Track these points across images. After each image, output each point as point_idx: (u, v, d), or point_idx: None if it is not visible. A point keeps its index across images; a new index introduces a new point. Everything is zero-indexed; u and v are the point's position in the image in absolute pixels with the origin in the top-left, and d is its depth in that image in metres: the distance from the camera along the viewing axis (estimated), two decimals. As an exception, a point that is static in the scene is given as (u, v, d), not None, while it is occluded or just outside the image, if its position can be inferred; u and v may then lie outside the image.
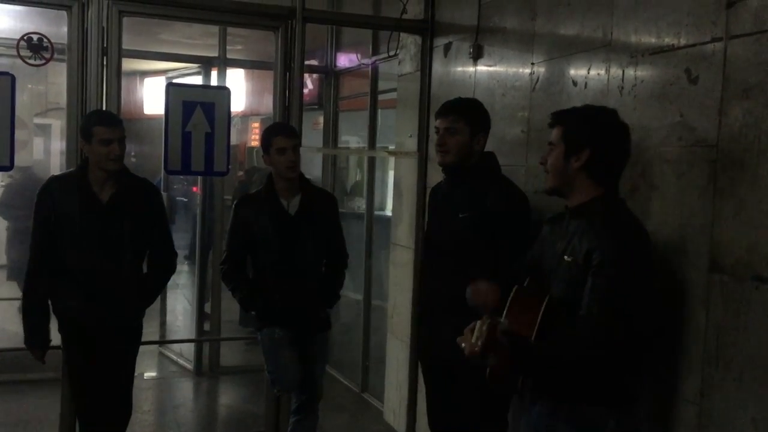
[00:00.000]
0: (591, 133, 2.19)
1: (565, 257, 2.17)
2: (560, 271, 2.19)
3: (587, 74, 2.84)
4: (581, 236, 2.14)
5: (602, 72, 2.75)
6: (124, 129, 3.24)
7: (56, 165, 8.46)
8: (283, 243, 3.38)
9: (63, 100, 3.68)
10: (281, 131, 3.46)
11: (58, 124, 9.21)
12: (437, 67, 4.15)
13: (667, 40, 2.42)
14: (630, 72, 2.59)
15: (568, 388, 2.15)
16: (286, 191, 3.43)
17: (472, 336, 2.05)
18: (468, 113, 2.96)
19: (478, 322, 2.07)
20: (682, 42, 2.36)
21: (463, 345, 2.07)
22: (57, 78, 8.40)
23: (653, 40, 2.49)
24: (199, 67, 5.91)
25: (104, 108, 3.56)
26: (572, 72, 2.95)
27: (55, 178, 3.33)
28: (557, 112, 2.31)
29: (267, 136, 3.44)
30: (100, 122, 3.17)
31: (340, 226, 3.65)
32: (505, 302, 2.20)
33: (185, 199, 6.33)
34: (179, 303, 6.51)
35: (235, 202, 3.59)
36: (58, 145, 8.89)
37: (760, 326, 2.03)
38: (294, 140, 3.41)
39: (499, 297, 2.31)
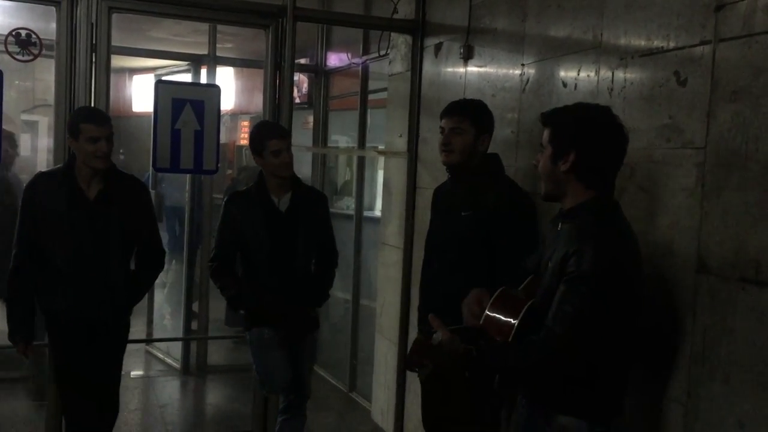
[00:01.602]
0: (576, 134, 2.09)
1: (549, 263, 2.12)
2: (544, 277, 2.15)
3: (577, 76, 2.85)
4: (565, 241, 2.07)
5: (592, 74, 2.76)
6: (112, 126, 3.22)
7: (43, 162, 8.39)
8: (273, 240, 3.38)
9: (50, 96, 3.67)
10: (275, 134, 3.42)
11: (45, 121, 9.13)
12: (428, 67, 4.15)
13: (657, 43, 2.43)
14: (619, 74, 2.61)
15: (544, 395, 2.14)
16: (277, 189, 3.42)
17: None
18: (473, 114, 2.97)
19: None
20: (672, 44, 2.37)
21: None
22: (44, 74, 8.34)
23: (643, 43, 2.50)
24: (188, 64, 5.89)
25: (93, 105, 3.54)
26: (562, 73, 2.96)
27: (42, 174, 3.31)
28: (546, 112, 2.22)
29: (259, 138, 3.40)
30: (87, 119, 3.14)
31: (331, 224, 3.65)
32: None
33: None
34: (166, 301, 6.49)
35: (225, 199, 3.58)
36: (45, 141, 8.82)
37: (747, 327, 2.04)
38: (287, 140, 3.42)
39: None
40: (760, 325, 2.00)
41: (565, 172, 2.09)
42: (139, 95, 9.79)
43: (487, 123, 2.99)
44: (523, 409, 2.25)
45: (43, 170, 3.44)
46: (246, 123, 9.63)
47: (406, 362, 2.16)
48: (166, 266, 3.86)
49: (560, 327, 1.98)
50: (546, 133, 2.15)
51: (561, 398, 2.10)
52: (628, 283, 2.03)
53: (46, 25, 3.79)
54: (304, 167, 5.97)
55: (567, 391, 2.08)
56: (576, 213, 2.10)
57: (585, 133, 2.09)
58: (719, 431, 2.13)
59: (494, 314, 2.15)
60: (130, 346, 3.55)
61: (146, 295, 4.91)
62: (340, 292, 5.37)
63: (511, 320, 2.09)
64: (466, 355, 2.04)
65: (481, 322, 2.16)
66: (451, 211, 3.00)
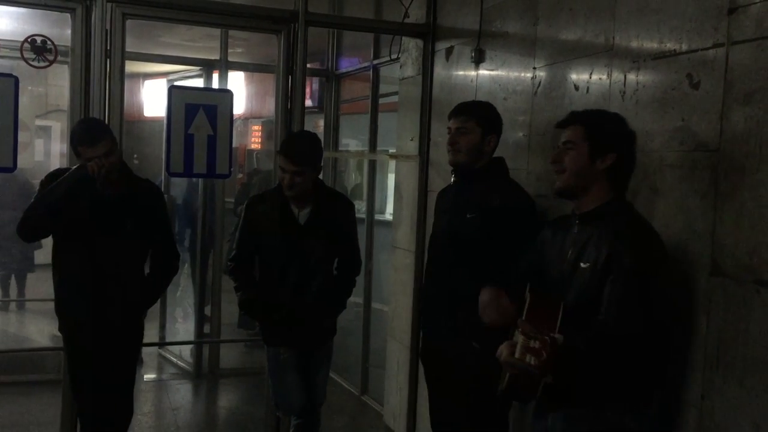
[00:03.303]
0: (618, 137, 2.21)
1: (581, 264, 2.14)
2: (575, 279, 2.16)
3: (589, 79, 2.86)
4: (598, 241, 2.11)
5: (604, 77, 2.77)
6: (113, 138, 3.15)
7: (56, 167, 8.45)
8: (290, 252, 3.32)
9: (63, 102, 3.71)
10: (284, 152, 3.26)
11: (58, 126, 9.22)
12: (439, 70, 4.16)
13: (669, 46, 2.44)
14: (632, 77, 2.61)
15: (586, 393, 2.12)
16: (297, 199, 3.32)
17: (514, 350, 1.99)
18: (479, 114, 2.99)
19: (521, 337, 1.99)
20: (684, 47, 2.37)
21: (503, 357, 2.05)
22: (57, 80, 8.42)
23: (655, 46, 2.50)
24: (200, 69, 5.92)
25: (107, 111, 3.57)
26: (574, 76, 2.97)
27: (61, 171, 3.32)
28: (575, 112, 2.30)
29: (279, 147, 3.37)
30: (81, 142, 3.09)
31: (355, 233, 3.54)
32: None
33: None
34: (179, 305, 6.52)
35: (247, 201, 3.54)
36: (57, 147, 8.90)
37: (762, 330, 2.04)
38: (296, 166, 3.19)
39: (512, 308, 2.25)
40: (775, 328, 2.00)
41: (600, 170, 2.17)
42: (150, 100, 9.86)
43: (493, 123, 3.01)
44: (555, 416, 2.20)
45: (60, 167, 3.44)
46: (257, 127, 9.68)
47: (540, 370, 1.95)
48: (178, 269, 3.87)
49: (614, 321, 2.03)
50: (577, 131, 2.21)
51: (609, 394, 2.11)
52: (667, 274, 2.16)
53: (60, 31, 3.83)
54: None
55: (617, 387, 2.10)
56: (600, 213, 2.18)
57: (624, 136, 2.23)
58: (734, 434, 2.13)
59: (535, 319, 2.07)
60: (143, 350, 3.57)
61: (159, 299, 4.94)
62: (351, 295, 5.38)
63: (552, 322, 2.05)
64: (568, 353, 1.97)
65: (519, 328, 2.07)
66: (456, 213, 3.02)
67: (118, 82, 3.62)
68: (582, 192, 2.21)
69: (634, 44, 2.61)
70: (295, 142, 3.37)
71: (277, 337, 3.42)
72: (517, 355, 1.97)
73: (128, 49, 3.73)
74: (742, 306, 2.11)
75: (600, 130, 2.20)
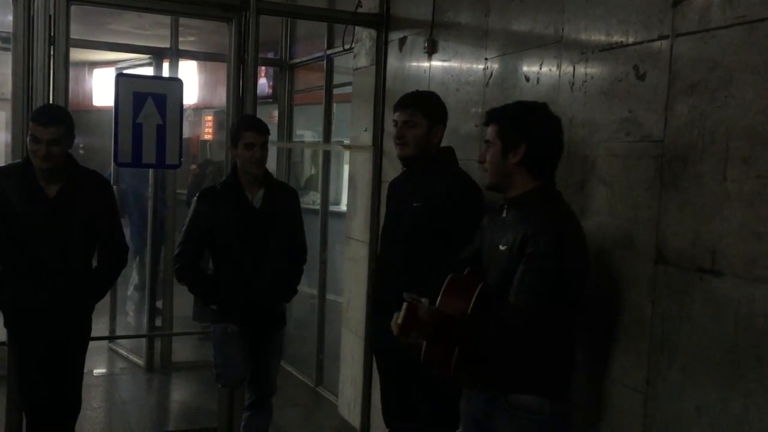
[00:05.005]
0: (526, 128, 2.26)
1: (500, 246, 2.24)
2: (496, 261, 2.27)
3: (539, 70, 2.88)
4: (517, 226, 2.20)
5: (554, 68, 2.80)
6: (67, 130, 3.07)
7: (0, 156, 8.22)
8: (246, 235, 3.37)
9: (8, 90, 3.58)
10: (252, 126, 3.40)
11: (2, 116, 8.95)
12: (392, 61, 4.15)
13: (616, 38, 2.47)
14: (580, 68, 2.64)
15: (502, 378, 2.23)
16: (250, 184, 3.42)
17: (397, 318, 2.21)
18: (426, 106, 3.00)
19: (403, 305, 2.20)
20: (631, 39, 2.41)
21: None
22: (2, 68, 8.15)
23: (603, 38, 2.54)
24: (150, 58, 5.80)
25: (51, 99, 3.47)
26: (525, 68, 2.99)
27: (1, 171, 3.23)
28: (491, 110, 2.39)
29: (237, 128, 3.41)
30: (34, 118, 3.04)
31: (302, 220, 3.66)
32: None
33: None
34: (130, 298, 6.41)
35: (197, 195, 3.54)
36: (2, 136, 8.63)
37: (703, 316, 2.09)
38: (263, 137, 3.39)
39: None
40: (716, 314, 2.05)
41: (515, 164, 2.25)
42: (100, 89, 9.64)
43: (439, 114, 3.03)
44: (477, 400, 2.33)
45: (1, 166, 3.35)
46: (209, 117, 9.55)
47: (399, 330, 2.21)
48: (129, 262, 3.80)
49: (525, 303, 2.11)
50: (492, 130, 2.31)
51: (522, 378, 2.19)
52: (581, 261, 2.23)
53: (2, 17, 3.71)
54: (269, 162, 5.94)
55: (528, 370, 2.18)
56: (525, 200, 2.26)
57: (533, 125, 2.27)
58: (678, 418, 2.17)
59: (449, 298, 2.22)
60: (92, 344, 3.51)
61: (109, 292, 4.84)
62: (306, 287, 5.36)
63: (466, 300, 2.18)
64: (451, 322, 2.13)
65: (436, 305, 2.22)
66: (404, 202, 3.04)
67: (63, 70, 3.52)
68: (507, 185, 2.30)
69: (583, 36, 2.64)
70: (251, 117, 3.58)
71: (230, 314, 3.42)
72: (398, 320, 2.22)
73: (74, 36, 3.64)
74: (685, 293, 2.15)
75: (509, 126, 2.27)
